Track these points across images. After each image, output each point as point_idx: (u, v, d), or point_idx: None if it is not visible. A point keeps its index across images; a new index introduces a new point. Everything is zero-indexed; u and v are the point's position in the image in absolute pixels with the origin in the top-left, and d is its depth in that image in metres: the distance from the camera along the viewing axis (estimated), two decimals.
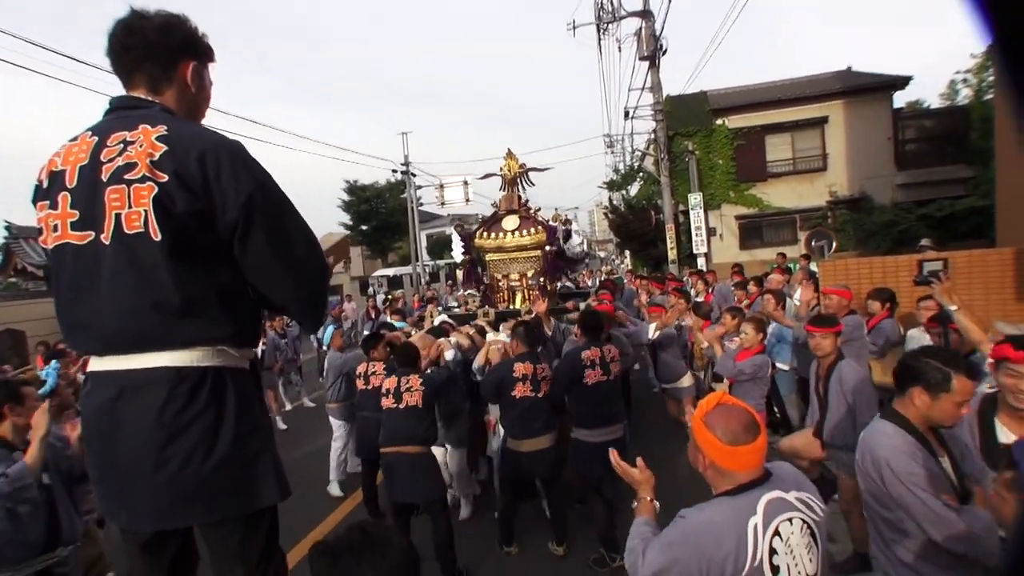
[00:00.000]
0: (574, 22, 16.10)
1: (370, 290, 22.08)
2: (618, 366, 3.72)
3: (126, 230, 1.17)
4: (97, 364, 1.27)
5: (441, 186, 22.17)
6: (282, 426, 7.37)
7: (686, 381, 5.49)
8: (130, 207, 1.16)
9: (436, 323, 5.43)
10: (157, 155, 1.16)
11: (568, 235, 6.25)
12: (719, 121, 15.25)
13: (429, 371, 3.72)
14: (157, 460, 1.19)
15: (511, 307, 5.97)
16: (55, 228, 1.23)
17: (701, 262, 14.32)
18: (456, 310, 6.67)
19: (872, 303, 4.63)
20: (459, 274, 7.93)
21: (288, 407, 8.37)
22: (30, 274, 15.02)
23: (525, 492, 4.01)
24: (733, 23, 13.09)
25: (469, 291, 6.93)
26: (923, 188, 13.68)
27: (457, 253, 6.45)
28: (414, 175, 23.43)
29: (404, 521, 3.58)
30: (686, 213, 14.85)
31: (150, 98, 1.30)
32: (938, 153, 14.13)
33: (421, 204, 25.19)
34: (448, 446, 4.26)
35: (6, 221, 14.79)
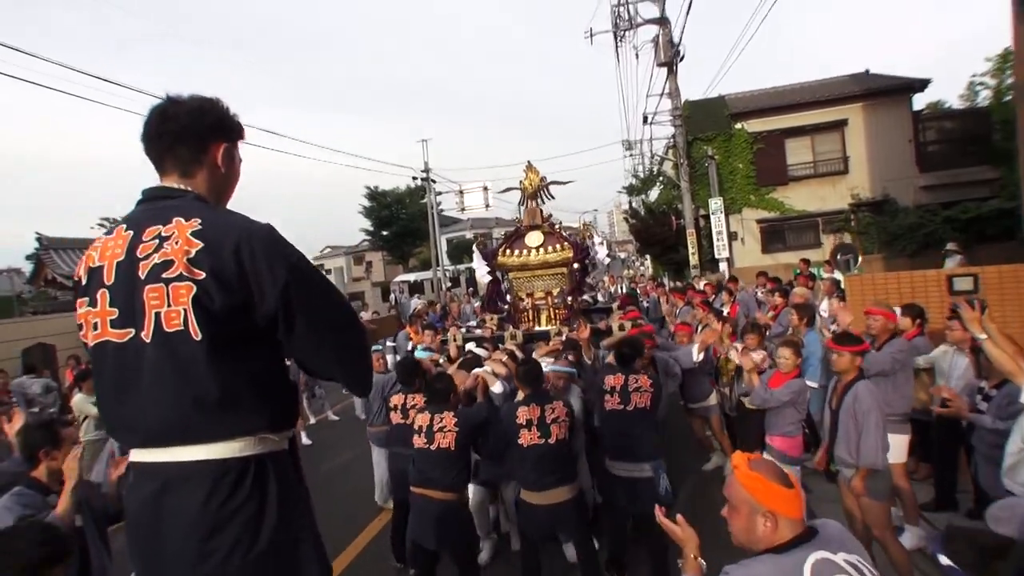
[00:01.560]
0: (591, 30, 16.30)
1: (391, 297, 22.39)
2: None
3: (166, 328, 1.19)
4: (139, 456, 1.28)
5: (461, 192, 22.50)
6: (306, 441, 7.39)
7: (713, 399, 5.31)
8: (169, 305, 1.18)
9: (468, 348, 5.10)
10: (193, 252, 1.19)
11: (592, 244, 6.14)
12: (738, 125, 15.29)
13: (464, 408, 3.42)
14: (201, 552, 1.20)
15: (536, 327, 5.77)
16: (95, 326, 1.25)
17: (723, 267, 14.39)
18: (477, 331, 6.40)
19: (902, 319, 4.48)
20: (480, 293, 7.74)
21: (312, 420, 8.39)
22: (59, 284, 15.28)
23: (548, 541, 3.64)
24: (756, 30, 13.18)
25: (490, 315, 6.65)
26: (947, 190, 13.61)
27: (480, 272, 6.28)
28: (434, 181, 23.76)
29: (425, 565, 3.31)
30: (707, 217, 14.92)
31: (182, 186, 1.33)
32: (961, 154, 14.01)
33: (441, 209, 25.49)
34: (503, 486, 3.97)
35: (37, 233, 15.25)
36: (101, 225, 28.12)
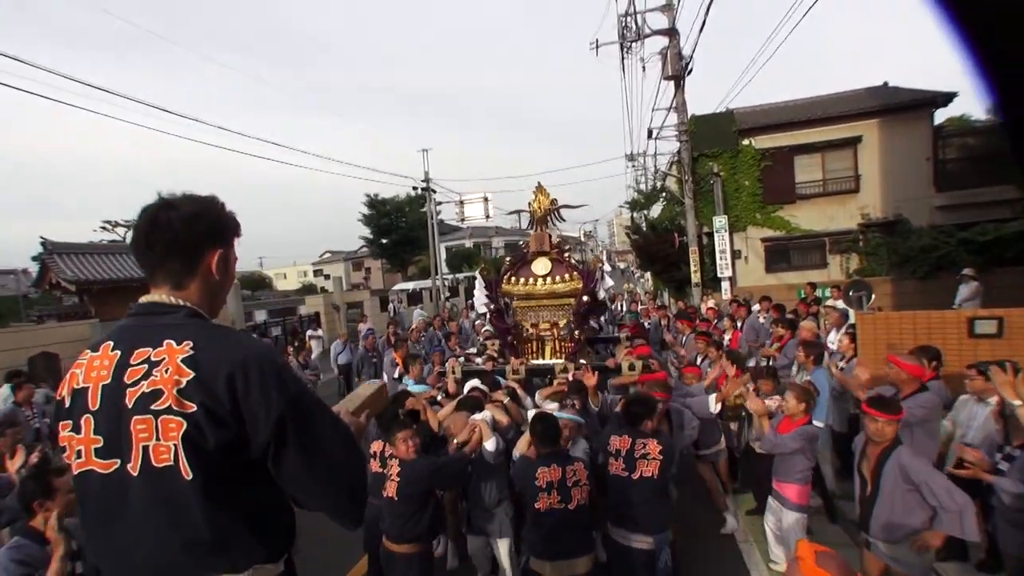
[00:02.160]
0: (597, 41, 15.95)
1: (390, 306, 22.04)
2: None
3: (155, 463, 1.11)
4: None
5: (461, 203, 22.29)
6: None
7: (722, 443, 5.05)
8: (158, 439, 1.11)
9: (466, 390, 4.71)
10: (184, 382, 1.11)
11: (603, 275, 5.79)
12: (746, 141, 14.82)
13: (415, 458, 3.20)
14: None
15: (540, 359, 5.56)
16: (79, 454, 1.17)
17: (725, 286, 13.95)
18: (478, 360, 6.21)
19: (923, 367, 4.12)
20: (478, 322, 7.45)
21: None
22: (64, 288, 15.54)
23: None
24: (776, 48, 12.68)
25: (488, 339, 6.45)
26: (965, 210, 13.01)
27: (480, 302, 5.93)
28: (434, 191, 23.49)
29: None
30: (710, 235, 14.48)
31: (173, 299, 1.25)
32: (982, 173, 13.28)
33: (440, 215, 25.27)
34: (493, 539, 3.74)
35: (41, 237, 15.42)
36: (104, 228, 28.33)
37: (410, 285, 26.54)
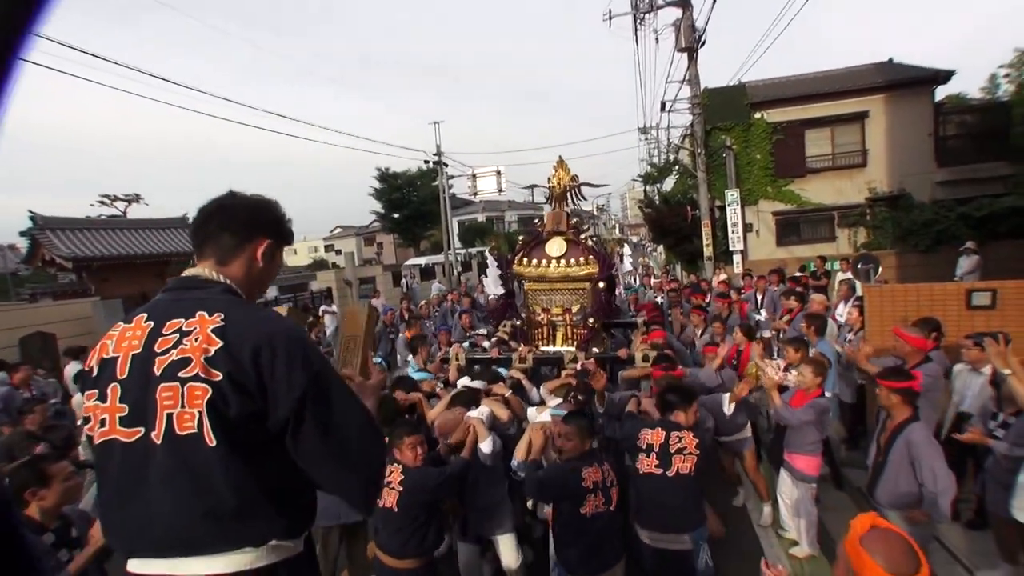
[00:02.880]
0: (610, 12, 15.99)
1: (403, 281, 22.40)
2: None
3: (178, 431, 1.12)
4: (138, 567, 1.18)
5: (474, 176, 22.48)
6: None
7: (747, 432, 4.68)
8: (183, 407, 1.12)
9: (461, 384, 4.39)
10: (212, 351, 1.14)
11: (621, 259, 5.76)
12: (758, 115, 15.14)
13: (413, 469, 2.89)
14: None
15: (551, 346, 5.22)
16: (103, 423, 1.18)
17: (737, 259, 14.44)
18: (485, 344, 5.80)
19: (929, 340, 4.26)
20: (492, 298, 6.89)
21: None
22: (59, 266, 14.63)
23: None
24: (790, 21, 12.93)
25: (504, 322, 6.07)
26: (964, 186, 13.57)
27: (492, 283, 5.63)
28: (446, 164, 23.68)
29: None
30: (722, 208, 14.91)
31: (213, 274, 1.30)
32: (979, 149, 13.89)
33: (452, 189, 25.31)
34: (496, 538, 3.49)
35: (30, 211, 14.46)
36: (101, 202, 27.69)
37: (423, 260, 26.67)
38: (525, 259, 5.31)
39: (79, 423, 5.03)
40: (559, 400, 3.83)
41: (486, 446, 3.19)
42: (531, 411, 3.91)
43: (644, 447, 3.06)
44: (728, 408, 4.17)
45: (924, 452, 2.95)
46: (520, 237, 5.82)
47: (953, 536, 3.99)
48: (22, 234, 15.38)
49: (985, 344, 3.30)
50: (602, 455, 3.04)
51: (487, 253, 6.10)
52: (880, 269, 8.17)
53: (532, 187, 7.61)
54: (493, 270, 5.58)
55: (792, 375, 4.19)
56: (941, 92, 14.85)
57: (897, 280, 10.23)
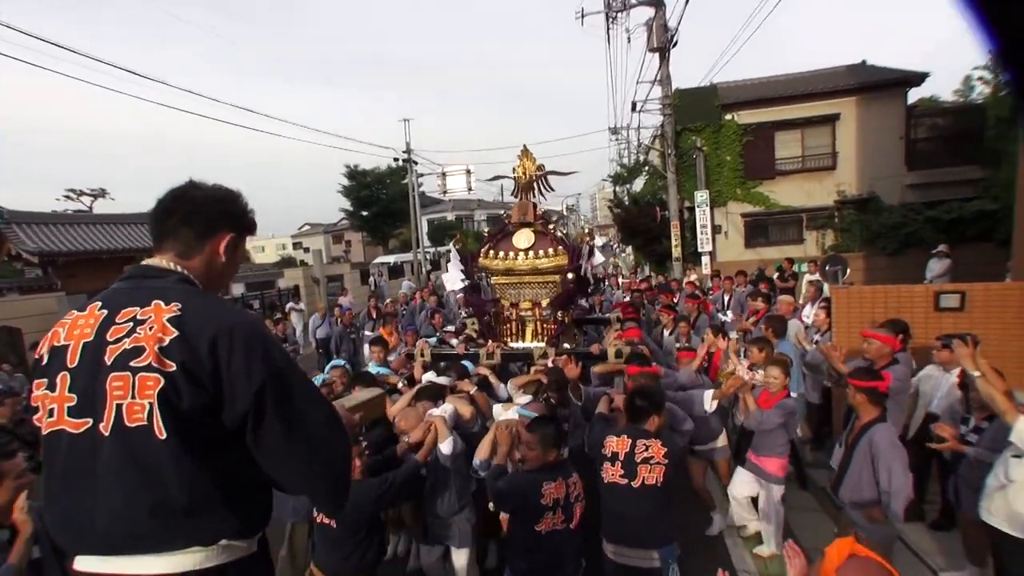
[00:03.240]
0: (583, 10, 15.75)
1: (371, 280, 21.90)
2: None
3: (127, 422, 1.07)
4: (84, 564, 1.13)
5: (443, 175, 22.03)
6: None
7: (721, 440, 4.36)
8: (133, 397, 1.07)
9: (425, 379, 4.22)
10: (167, 340, 1.09)
11: (591, 252, 5.22)
12: (728, 116, 14.97)
13: (360, 479, 2.72)
14: None
15: (521, 342, 5.01)
16: (51, 412, 1.13)
17: (705, 260, 14.25)
18: (453, 341, 5.63)
19: (896, 338, 4.32)
20: (459, 296, 6.77)
21: None
22: (25, 260, 14.72)
23: None
24: (760, 24, 12.73)
25: (469, 318, 5.84)
26: (933, 189, 13.50)
27: (454, 279, 5.34)
28: (416, 162, 23.17)
29: None
30: (691, 209, 14.70)
31: (171, 265, 1.24)
32: (951, 152, 13.82)
33: (422, 187, 24.96)
34: (450, 546, 3.32)
35: None
36: (68, 197, 27.19)
37: (391, 258, 26.31)
38: (492, 252, 5.03)
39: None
40: (528, 398, 3.58)
41: (446, 447, 3.01)
42: (497, 408, 3.71)
43: (609, 455, 2.82)
44: (709, 405, 3.93)
45: (884, 453, 2.93)
46: (486, 230, 5.75)
47: (918, 537, 4.03)
48: None
49: (954, 346, 3.22)
50: (569, 466, 2.75)
51: (451, 246, 5.50)
52: (848, 271, 7.98)
53: (496, 178, 7.18)
54: (455, 264, 5.26)
55: (759, 375, 4.10)
56: (914, 95, 14.80)
57: (864, 283, 10.12)
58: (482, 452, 3.01)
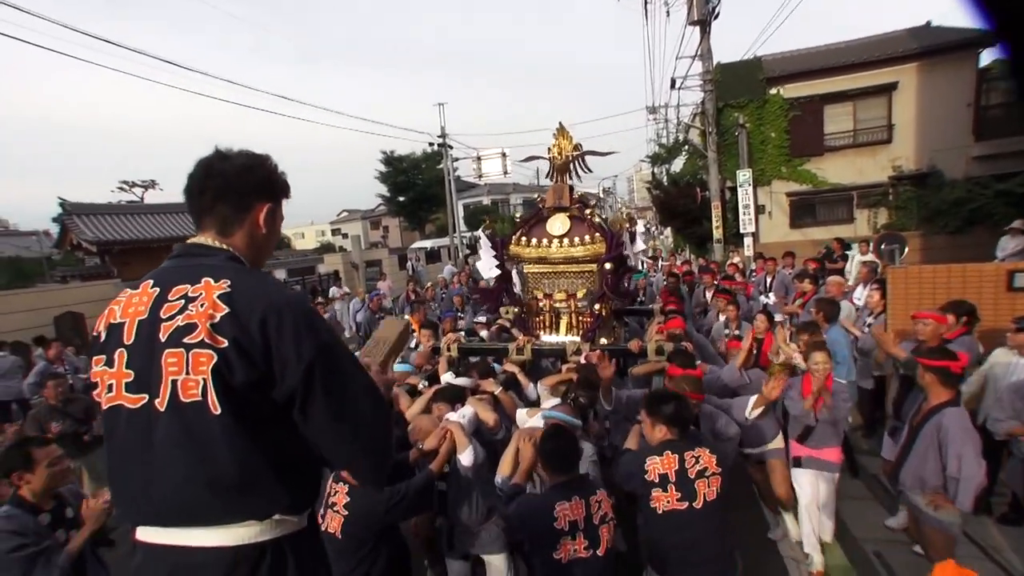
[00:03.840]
0: None
1: (409, 264, 22.20)
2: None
3: (182, 398, 1.10)
4: (145, 535, 1.18)
5: (479, 158, 21.98)
6: None
7: (778, 442, 3.87)
8: (187, 373, 1.10)
9: (445, 380, 3.86)
10: (218, 317, 1.11)
11: (632, 237, 4.87)
12: (773, 91, 14.22)
13: (358, 490, 2.41)
14: None
15: (554, 335, 4.69)
16: (110, 388, 1.17)
17: (748, 242, 13.74)
18: (483, 333, 5.33)
19: (948, 317, 4.14)
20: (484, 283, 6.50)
21: None
22: (85, 249, 15.79)
23: None
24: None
25: (492, 310, 5.39)
26: (1003, 160, 12.40)
27: (486, 266, 4.98)
28: (451, 147, 23.16)
29: None
30: (733, 189, 14.16)
31: (217, 243, 1.27)
32: None
33: (457, 172, 24.98)
34: (484, 557, 3.02)
35: (60, 198, 15.54)
36: (121, 188, 28.64)
37: (428, 243, 26.55)
38: (524, 239, 4.70)
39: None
40: (556, 400, 3.25)
41: (465, 457, 2.70)
42: (520, 414, 3.31)
43: (657, 479, 2.37)
44: (750, 413, 3.35)
45: (954, 437, 2.80)
46: (518, 215, 5.22)
47: (984, 531, 3.85)
48: (54, 220, 16.66)
49: None
50: (592, 483, 2.42)
51: (481, 233, 5.14)
52: (906, 250, 7.47)
53: (531, 159, 6.71)
54: (487, 252, 4.95)
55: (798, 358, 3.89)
56: (988, 57, 13.24)
57: (922, 263, 9.48)
58: (504, 468, 2.69)
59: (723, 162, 14.13)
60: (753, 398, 3.37)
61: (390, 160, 28.04)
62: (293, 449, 1.21)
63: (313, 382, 1.14)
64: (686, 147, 18.12)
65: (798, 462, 3.68)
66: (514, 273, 5.08)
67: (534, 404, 3.68)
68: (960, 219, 11.73)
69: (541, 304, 4.75)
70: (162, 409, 1.11)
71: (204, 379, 1.09)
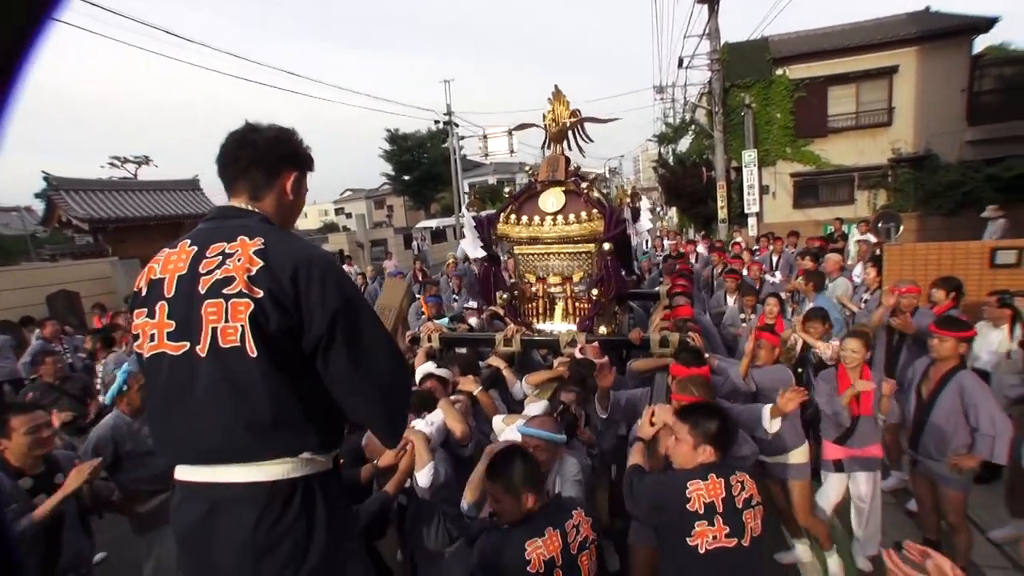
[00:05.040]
0: None
1: (414, 244, 22.45)
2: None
3: (222, 344, 1.19)
4: (185, 474, 1.28)
5: (484, 137, 22.08)
6: None
7: (800, 456, 3.27)
8: (227, 321, 1.19)
9: (418, 377, 3.21)
10: (254, 270, 1.21)
11: (636, 214, 4.46)
12: (779, 71, 14.55)
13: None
14: (254, 571, 1.23)
15: (548, 323, 4.27)
16: (152, 337, 1.26)
17: (752, 222, 14.19)
18: (472, 320, 4.83)
19: (936, 292, 4.56)
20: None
21: None
22: (75, 227, 14.75)
23: None
24: None
25: (486, 301, 4.84)
26: (995, 145, 12.92)
27: (469, 245, 4.41)
28: (456, 125, 23.29)
29: None
30: (738, 170, 14.55)
31: (249, 207, 1.37)
32: (1017, 105, 13.04)
33: (463, 150, 25.04)
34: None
35: (44, 172, 14.49)
36: (112, 164, 27.92)
37: (433, 223, 26.57)
38: (513, 216, 4.22)
39: (98, 380, 5.12)
40: (542, 404, 2.73)
41: (423, 477, 2.28)
42: (497, 422, 2.81)
43: (702, 511, 1.90)
44: (770, 425, 2.82)
45: (980, 397, 2.94)
46: (507, 190, 4.72)
47: None
48: (37, 196, 15.82)
49: (1019, 304, 3.18)
50: (564, 507, 1.97)
51: (465, 211, 4.65)
52: (902, 228, 7.96)
53: (523, 126, 4.83)
54: (470, 231, 4.41)
55: (834, 345, 3.83)
56: (982, 43, 13.82)
57: (917, 243, 9.93)
58: (470, 491, 2.21)
59: (729, 142, 14.50)
60: (767, 409, 2.84)
61: (395, 138, 28.05)
62: (319, 394, 1.29)
63: (336, 331, 1.23)
64: (693, 127, 18.40)
65: (836, 466, 3.34)
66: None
67: (521, 404, 3.26)
68: (953, 202, 12.21)
69: (534, 289, 4.30)
70: (203, 355, 1.20)
71: (242, 325, 1.18)
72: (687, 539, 1.91)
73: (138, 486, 3.02)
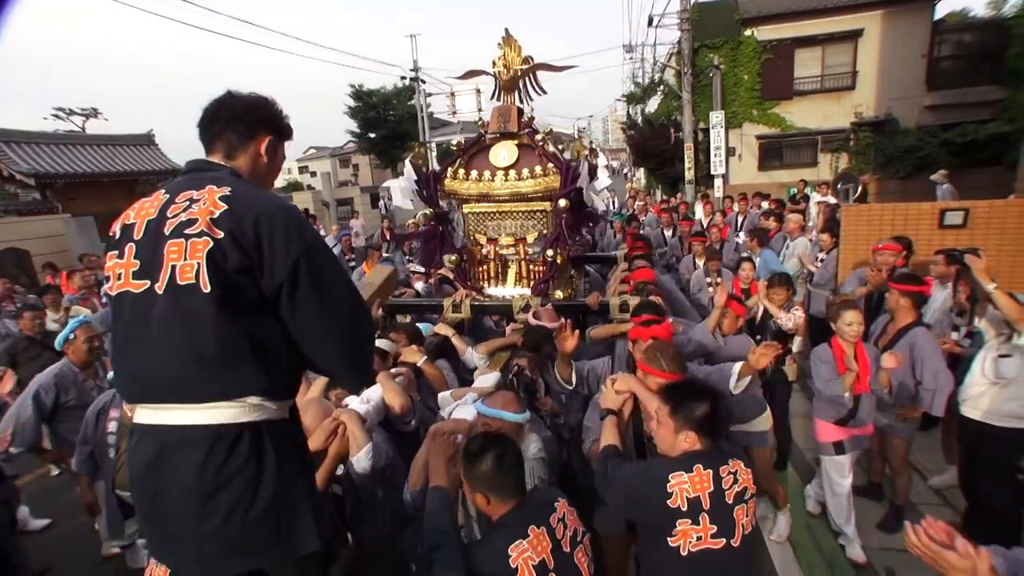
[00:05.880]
0: None
1: (381, 203, 22.02)
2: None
3: (179, 281, 1.23)
4: (140, 416, 1.33)
5: (452, 94, 21.43)
6: None
7: (765, 423, 3.22)
8: (185, 259, 1.23)
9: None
10: (217, 213, 1.24)
11: (593, 172, 3.95)
12: (748, 32, 14.51)
13: None
14: (200, 513, 1.25)
15: (500, 286, 3.99)
16: (119, 277, 1.30)
17: (718, 183, 14.36)
18: (419, 285, 4.69)
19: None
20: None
21: None
22: (19, 182, 13.64)
23: None
24: None
25: (428, 264, 4.47)
26: (952, 111, 13.34)
27: (398, 193, 4.04)
28: (423, 81, 22.50)
29: None
30: (706, 131, 14.62)
31: (223, 162, 1.43)
32: (973, 72, 13.44)
33: (430, 108, 24.35)
34: None
35: None
36: (57, 116, 25.98)
37: (401, 182, 26.14)
38: (462, 171, 3.90)
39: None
40: (494, 376, 2.53)
41: (360, 461, 2.04)
42: (444, 398, 2.59)
43: (685, 507, 1.67)
44: (735, 385, 2.61)
45: (928, 353, 3.08)
46: (455, 143, 4.33)
47: None
48: None
49: (968, 260, 3.16)
50: (548, 499, 1.72)
51: (407, 162, 4.13)
52: (860, 189, 8.20)
53: (472, 73, 4.22)
54: (408, 179, 3.97)
55: (796, 314, 3.96)
56: (944, 8, 14.23)
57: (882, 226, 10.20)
58: (414, 476, 2.03)
59: (697, 103, 14.47)
60: (737, 367, 2.61)
61: (359, 94, 26.87)
62: (273, 340, 1.31)
63: (299, 277, 1.27)
64: (661, 87, 18.30)
65: (838, 448, 3.21)
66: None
67: (472, 374, 3.06)
68: (911, 165, 12.62)
69: (484, 251, 4.04)
70: (160, 291, 1.24)
71: (199, 263, 1.21)
72: (668, 539, 1.69)
73: (74, 438, 3.00)
